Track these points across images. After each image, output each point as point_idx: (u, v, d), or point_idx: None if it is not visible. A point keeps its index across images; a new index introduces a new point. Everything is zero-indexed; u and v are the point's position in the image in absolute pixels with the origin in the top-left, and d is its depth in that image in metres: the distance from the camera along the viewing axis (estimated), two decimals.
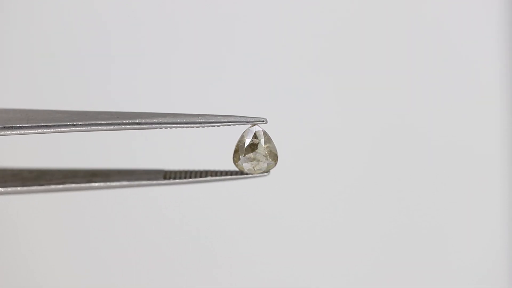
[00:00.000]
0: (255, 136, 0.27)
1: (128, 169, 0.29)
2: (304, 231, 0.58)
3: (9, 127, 0.26)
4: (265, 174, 0.27)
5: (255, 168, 0.27)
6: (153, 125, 0.26)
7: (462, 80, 0.58)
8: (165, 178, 0.28)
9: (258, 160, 0.27)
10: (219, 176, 0.28)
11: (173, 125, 0.26)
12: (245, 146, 0.27)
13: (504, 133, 0.58)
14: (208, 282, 0.58)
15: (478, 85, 0.58)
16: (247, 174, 0.28)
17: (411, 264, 0.58)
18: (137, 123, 0.26)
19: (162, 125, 0.26)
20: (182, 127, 0.27)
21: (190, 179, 0.28)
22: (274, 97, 0.57)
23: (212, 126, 0.27)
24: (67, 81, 0.56)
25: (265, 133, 0.27)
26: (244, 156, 0.27)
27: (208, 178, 0.28)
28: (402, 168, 0.58)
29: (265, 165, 0.27)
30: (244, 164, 0.27)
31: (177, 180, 0.28)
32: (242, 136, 0.27)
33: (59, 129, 0.26)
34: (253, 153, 0.27)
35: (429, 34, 0.57)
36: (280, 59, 0.57)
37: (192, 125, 0.27)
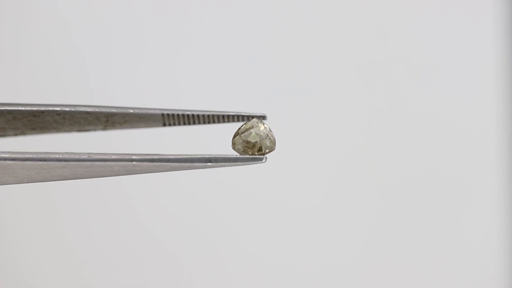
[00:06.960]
0: (255, 122, 0.28)
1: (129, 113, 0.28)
2: (303, 227, 0.58)
3: None
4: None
5: (253, 142, 0.27)
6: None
7: (461, 78, 0.58)
8: (164, 125, 0.28)
9: (258, 135, 0.27)
10: (216, 122, 0.28)
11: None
12: (245, 128, 0.27)
13: (505, 132, 0.58)
14: (205, 279, 0.58)
15: (477, 85, 0.58)
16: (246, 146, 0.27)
17: (411, 264, 0.58)
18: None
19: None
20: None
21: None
22: (274, 95, 0.57)
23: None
24: (66, 77, 0.56)
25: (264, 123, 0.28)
26: (243, 135, 0.27)
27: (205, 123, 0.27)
28: (401, 166, 0.58)
29: (263, 141, 0.27)
30: (242, 139, 0.27)
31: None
32: (242, 124, 0.28)
33: None
34: (252, 132, 0.27)
35: (427, 32, 0.58)
36: (281, 57, 0.57)
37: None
